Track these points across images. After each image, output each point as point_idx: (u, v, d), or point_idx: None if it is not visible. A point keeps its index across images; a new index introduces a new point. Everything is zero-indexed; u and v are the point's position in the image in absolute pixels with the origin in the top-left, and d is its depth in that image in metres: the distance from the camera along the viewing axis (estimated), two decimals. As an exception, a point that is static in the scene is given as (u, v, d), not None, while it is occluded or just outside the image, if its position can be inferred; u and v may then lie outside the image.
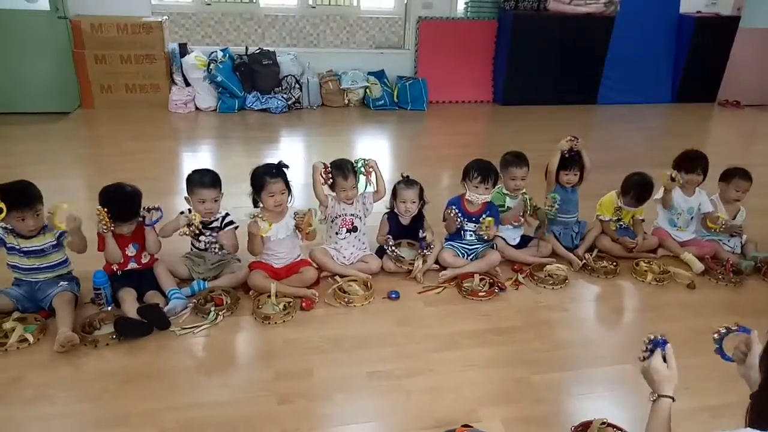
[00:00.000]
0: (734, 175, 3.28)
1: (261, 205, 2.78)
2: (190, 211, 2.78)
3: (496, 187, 3.13)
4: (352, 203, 2.98)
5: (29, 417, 1.97)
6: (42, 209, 2.47)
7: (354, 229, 2.99)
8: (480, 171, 2.95)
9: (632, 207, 3.25)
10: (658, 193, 3.31)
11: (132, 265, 2.64)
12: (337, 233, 2.98)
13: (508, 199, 3.21)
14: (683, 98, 7.59)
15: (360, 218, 3.01)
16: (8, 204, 2.36)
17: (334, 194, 2.97)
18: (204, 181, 2.76)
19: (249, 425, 1.97)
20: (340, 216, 2.96)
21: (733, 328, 1.66)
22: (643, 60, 7.32)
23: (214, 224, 2.83)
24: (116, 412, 2.00)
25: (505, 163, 3.17)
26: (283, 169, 2.76)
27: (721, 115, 7.46)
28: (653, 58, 7.40)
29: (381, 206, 3.14)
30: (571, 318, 2.75)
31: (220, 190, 2.81)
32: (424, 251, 2.97)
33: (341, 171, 2.90)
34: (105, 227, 2.49)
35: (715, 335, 1.71)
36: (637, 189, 3.20)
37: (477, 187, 2.96)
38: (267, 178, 2.69)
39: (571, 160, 3.25)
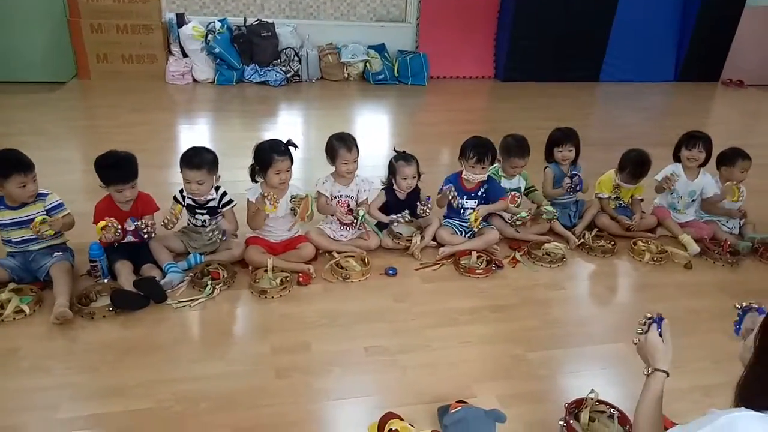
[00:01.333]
0: (738, 157, 3.25)
1: (259, 180, 2.75)
2: (181, 191, 2.75)
3: (493, 167, 3.11)
4: (348, 185, 2.95)
5: (27, 388, 1.97)
6: (35, 178, 2.46)
7: (350, 211, 2.97)
8: (476, 151, 2.91)
9: (629, 184, 3.23)
10: (659, 175, 3.29)
11: (129, 238, 2.63)
12: (333, 214, 2.96)
13: (504, 180, 3.18)
14: (686, 77, 7.52)
15: (356, 201, 2.98)
16: (8, 171, 2.36)
17: (328, 178, 2.93)
18: (191, 161, 2.64)
19: (246, 398, 1.98)
20: (335, 197, 2.94)
21: (755, 306, 1.64)
22: (646, 37, 7.23)
23: (211, 203, 2.77)
24: (113, 384, 2.00)
25: (506, 150, 3.12)
26: (291, 147, 2.73)
27: (724, 94, 7.41)
28: (657, 35, 7.31)
29: (377, 181, 3.12)
30: (567, 296, 2.76)
31: (210, 172, 2.67)
32: (426, 208, 2.95)
33: (344, 143, 2.86)
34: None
35: (738, 308, 1.68)
36: (634, 165, 3.18)
37: (473, 167, 2.93)
38: (275, 156, 2.65)
39: (565, 137, 3.22)
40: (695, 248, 3.12)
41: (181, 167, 2.68)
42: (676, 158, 3.30)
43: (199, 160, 2.66)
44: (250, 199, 2.73)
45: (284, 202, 2.74)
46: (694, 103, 6.93)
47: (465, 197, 3.05)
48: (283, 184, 2.74)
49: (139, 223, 2.56)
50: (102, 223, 2.48)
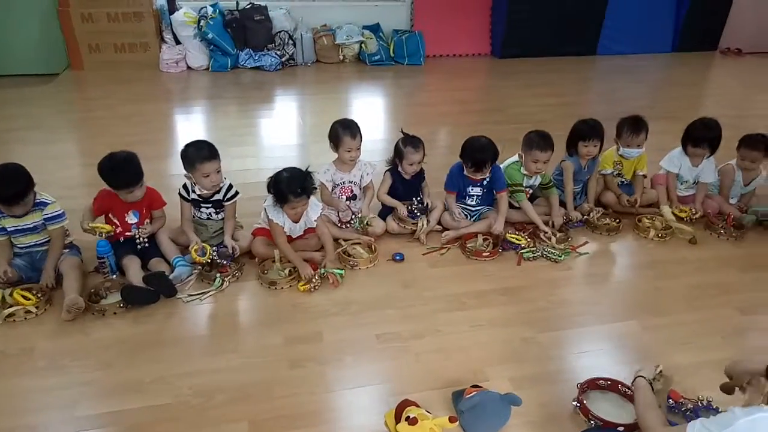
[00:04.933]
0: (740, 145, 3.25)
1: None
2: (185, 188, 2.72)
3: (515, 162, 3.07)
4: (350, 171, 2.93)
5: (44, 387, 1.99)
6: (31, 197, 2.41)
7: (353, 197, 2.96)
8: (474, 161, 2.89)
9: (630, 147, 3.18)
10: (666, 161, 3.31)
11: (134, 232, 2.61)
12: (337, 208, 2.93)
13: (525, 179, 3.08)
14: (684, 47, 7.44)
15: (359, 186, 2.98)
16: None
17: (330, 167, 2.91)
18: (203, 154, 2.60)
19: (262, 390, 2.00)
20: (339, 185, 2.92)
21: None
22: (644, 8, 7.13)
23: (216, 197, 2.73)
24: (129, 380, 2.02)
25: (528, 143, 2.99)
26: (309, 186, 2.57)
27: (722, 63, 7.35)
28: (654, 6, 7.20)
29: (379, 164, 3.11)
30: (574, 276, 2.77)
31: (219, 158, 2.68)
32: (426, 216, 2.96)
33: (349, 130, 2.83)
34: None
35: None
36: (630, 124, 3.18)
37: (473, 175, 2.94)
38: (291, 198, 2.51)
39: (592, 131, 3.12)
40: (671, 218, 3.16)
41: (193, 165, 2.61)
42: (684, 144, 3.25)
43: (209, 149, 2.63)
44: (272, 219, 2.61)
45: (302, 224, 2.71)
46: (693, 73, 6.88)
47: (470, 186, 3.03)
48: (299, 214, 2.65)
49: (136, 233, 2.59)
50: (106, 228, 2.50)
